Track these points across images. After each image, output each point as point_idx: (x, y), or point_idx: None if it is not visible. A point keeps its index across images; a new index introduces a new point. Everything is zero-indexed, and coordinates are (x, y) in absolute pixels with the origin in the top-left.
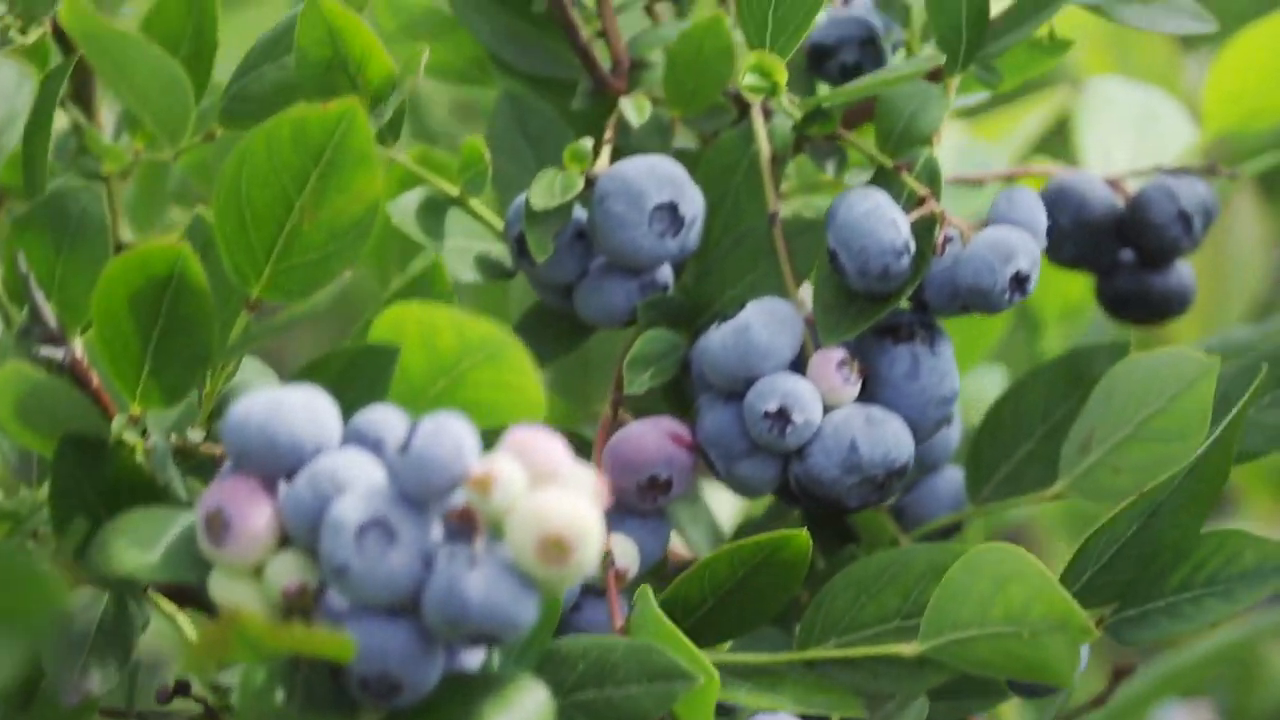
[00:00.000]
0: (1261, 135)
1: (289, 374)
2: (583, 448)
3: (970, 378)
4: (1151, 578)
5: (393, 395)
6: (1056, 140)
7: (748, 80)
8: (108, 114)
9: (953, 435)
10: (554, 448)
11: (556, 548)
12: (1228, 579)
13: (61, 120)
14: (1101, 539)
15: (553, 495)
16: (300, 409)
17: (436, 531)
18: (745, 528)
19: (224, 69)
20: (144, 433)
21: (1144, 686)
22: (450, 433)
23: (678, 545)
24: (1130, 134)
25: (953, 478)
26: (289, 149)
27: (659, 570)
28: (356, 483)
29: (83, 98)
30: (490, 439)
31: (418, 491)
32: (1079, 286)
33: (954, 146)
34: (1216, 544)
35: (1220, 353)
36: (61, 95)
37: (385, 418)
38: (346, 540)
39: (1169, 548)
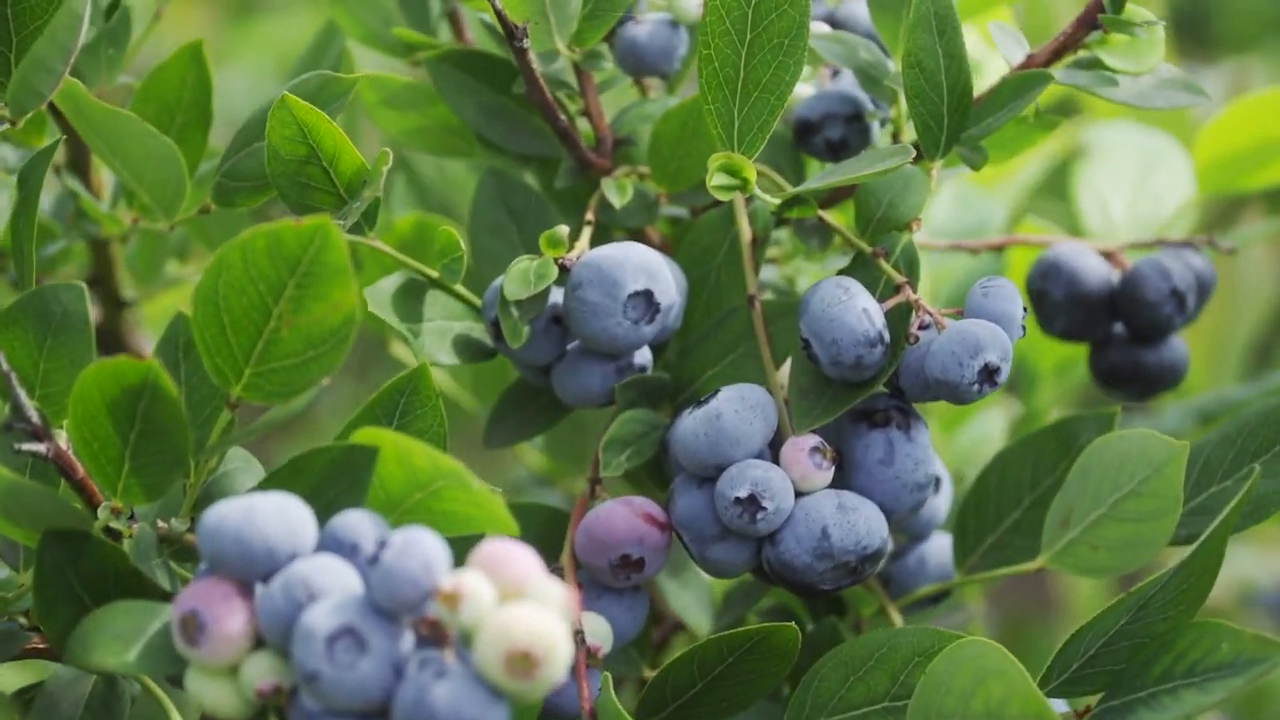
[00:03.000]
0: (1252, 194)
1: (276, 462)
2: (561, 521)
3: (971, 426)
4: (1135, 669)
5: (372, 504)
6: (1058, 184)
7: (716, 181)
8: (108, 174)
9: (941, 503)
10: (523, 561)
11: (524, 662)
12: (1205, 671)
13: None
14: (1090, 632)
15: (520, 611)
16: (274, 516)
17: (408, 640)
18: (734, 593)
19: (246, 81)
20: (131, 518)
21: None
22: (420, 548)
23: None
24: (1129, 185)
25: (941, 546)
26: (265, 260)
27: (644, 641)
28: (330, 589)
29: (79, 164)
30: (464, 545)
31: (388, 603)
32: (1065, 349)
33: (953, 195)
34: (1197, 635)
35: (1214, 413)
36: (58, 164)
37: (360, 524)
38: (317, 648)
39: (1155, 640)
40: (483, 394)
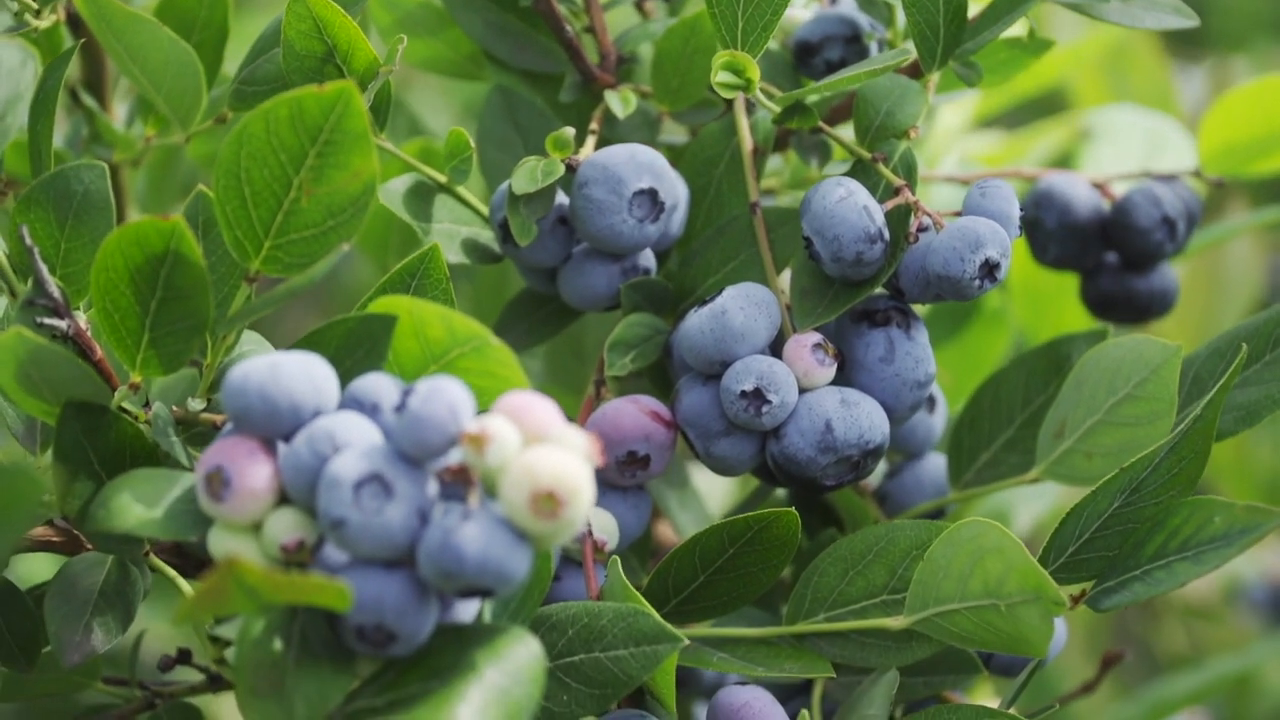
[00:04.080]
0: (1254, 180)
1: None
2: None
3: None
4: (1129, 550)
5: None
6: (1063, 166)
7: (720, 78)
8: (120, 107)
9: (936, 423)
10: (546, 410)
11: (548, 502)
12: (1199, 544)
13: (74, 115)
14: (1083, 515)
15: (545, 452)
16: (299, 372)
17: (432, 488)
18: (734, 512)
19: (231, 74)
20: (146, 401)
21: (1157, 703)
22: (446, 393)
23: (668, 531)
24: (1134, 167)
25: (936, 464)
26: (287, 129)
27: (643, 552)
28: (354, 442)
29: (95, 88)
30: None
31: (414, 449)
32: (1072, 315)
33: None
34: (1189, 511)
35: None
36: (75, 84)
37: (380, 384)
38: (344, 495)
39: (1148, 522)
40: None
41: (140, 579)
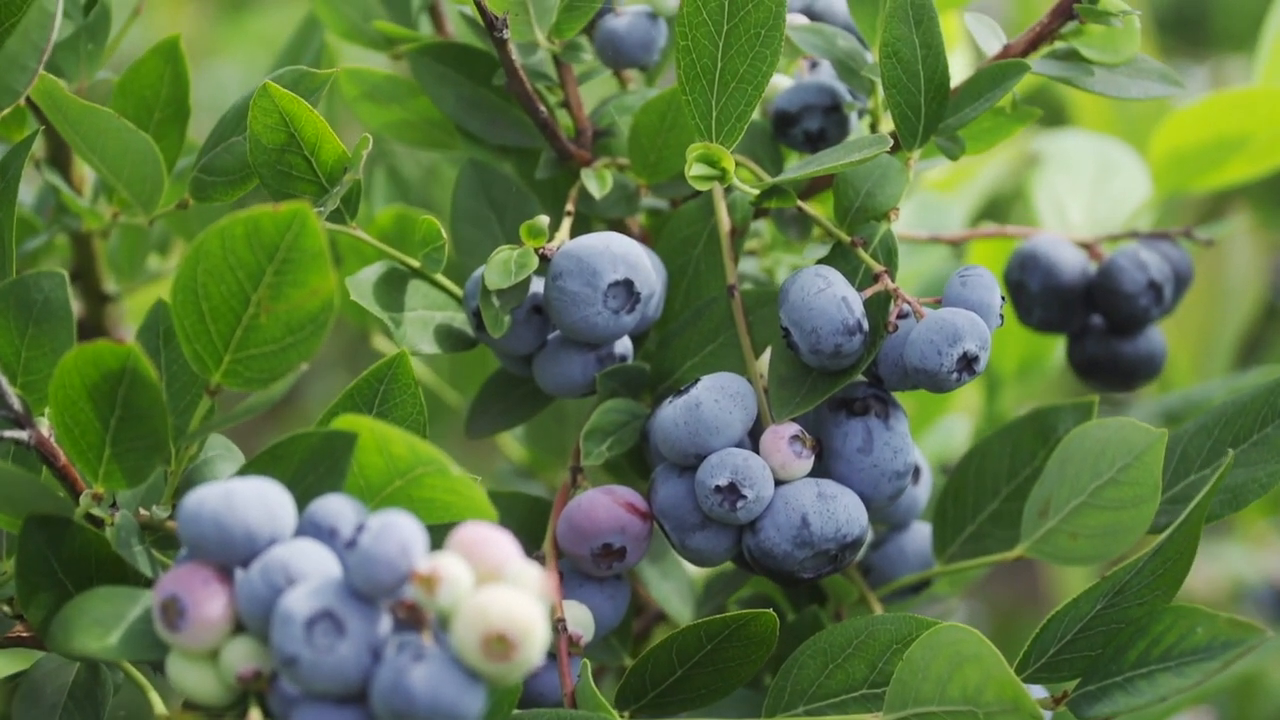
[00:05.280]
0: (1207, 193)
1: (255, 448)
2: (544, 510)
3: (936, 430)
4: (1111, 654)
5: (351, 491)
6: (1014, 189)
7: (695, 171)
8: (89, 169)
9: (920, 493)
10: (501, 545)
11: (500, 645)
12: (1181, 655)
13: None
14: (1066, 618)
15: (497, 594)
16: (254, 500)
17: (385, 624)
18: (715, 582)
19: (238, 75)
20: (113, 505)
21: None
22: (397, 531)
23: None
24: (1086, 190)
25: (921, 535)
26: (244, 247)
27: (625, 631)
28: (308, 574)
29: (60, 160)
30: (443, 533)
31: (366, 586)
32: (1036, 345)
33: (910, 200)
34: (1172, 619)
35: (1180, 412)
36: (39, 159)
37: (339, 508)
38: (295, 632)
39: (1131, 625)
40: (463, 386)
41: (109, 677)
